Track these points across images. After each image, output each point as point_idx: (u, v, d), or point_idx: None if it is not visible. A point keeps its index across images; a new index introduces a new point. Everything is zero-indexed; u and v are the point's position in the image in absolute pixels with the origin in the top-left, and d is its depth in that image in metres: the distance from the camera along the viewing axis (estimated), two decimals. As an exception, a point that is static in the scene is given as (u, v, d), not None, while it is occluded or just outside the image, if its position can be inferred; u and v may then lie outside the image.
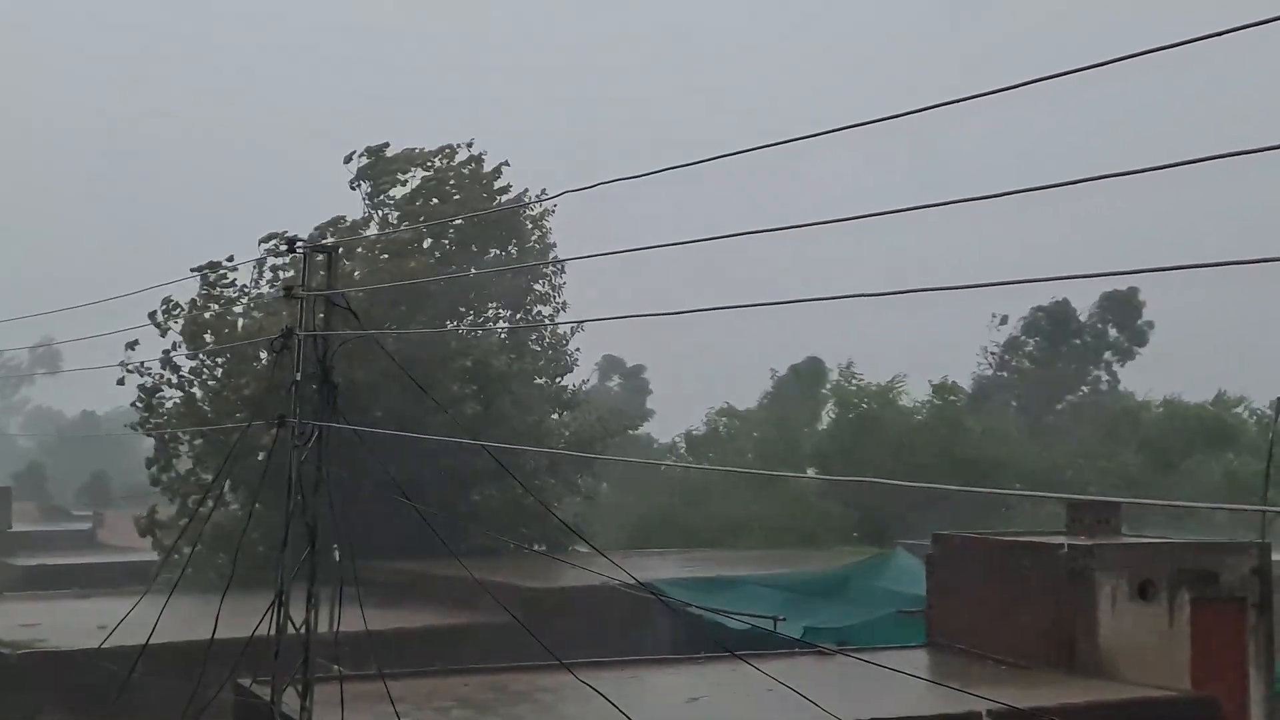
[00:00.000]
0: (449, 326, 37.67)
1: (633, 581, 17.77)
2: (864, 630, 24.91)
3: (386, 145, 39.51)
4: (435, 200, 38.61)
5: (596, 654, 20.99)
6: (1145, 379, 62.30)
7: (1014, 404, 59.70)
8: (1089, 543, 21.60)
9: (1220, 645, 21.12)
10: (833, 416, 54.30)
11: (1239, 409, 52.79)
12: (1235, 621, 21.36)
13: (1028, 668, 20.39)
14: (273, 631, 14.44)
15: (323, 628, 14.91)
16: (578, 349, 42.25)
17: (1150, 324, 61.43)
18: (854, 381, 54.35)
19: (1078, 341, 61.82)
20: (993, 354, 63.24)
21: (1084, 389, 61.99)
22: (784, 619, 23.87)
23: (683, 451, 57.58)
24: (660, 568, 32.93)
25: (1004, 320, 62.75)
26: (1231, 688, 20.85)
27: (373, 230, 38.27)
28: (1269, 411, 47.53)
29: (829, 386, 56.60)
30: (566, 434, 40.14)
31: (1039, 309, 61.37)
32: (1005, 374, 62.80)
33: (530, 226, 40.16)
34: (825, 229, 10.65)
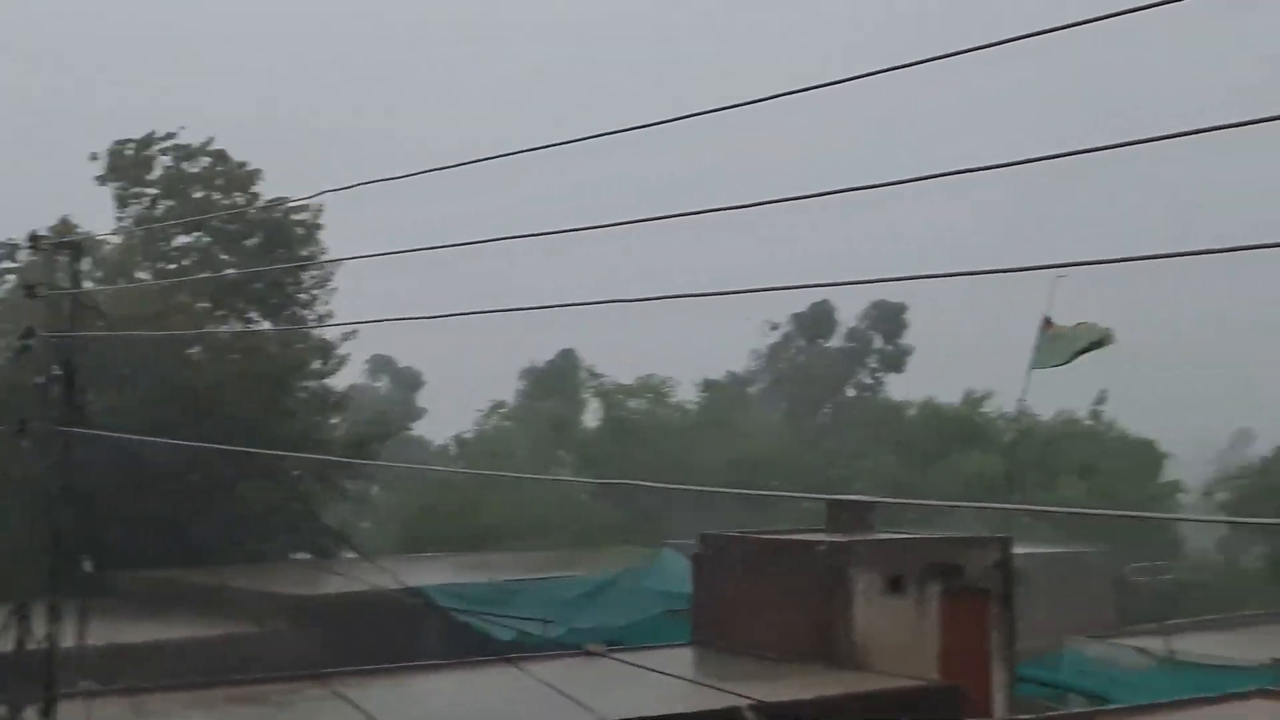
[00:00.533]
0: (207, 329, 36.48)
1: (399, 587, 17.57)
2: (633, 630, 25.23)
3: (131, 141, 38.09)
4: (193, 195, 37.41)
5: (365, 661, 20.69)
6: (907, 383, 64.78)
7: (781, 406, 61.41)
8: (846, 540, 22.38)
9: (966, 635, 22.15)
10: (600, 416, 54.79)
11: (986, 409, 55.29)
12: (980, 613, 22.45)
13: (788, 662, 20.96)
14: (12, 647, 13.75)
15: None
16: (348, 353, 41.48)
17: (911, 329, 63.98)
18: (614, 381, 54.80)
19: (843, 347, 63.97)
20: (761, 358, 64.89)
21: (850, 392, 64.18)
22: (552, 621, 23.98)
23: (454, 454, 57.19)
24: (432, 572, 32.61)
25: (775, 325, 64.46)
26: (976, 675, 21.91)
27: (121, 228, 36.82)
28: (1014, 412, 50.23)
29: (594, 385, 57.04)
30: (336, 437, 39.34)
31: (807, 315, 63.25)
32: (773, 377, 64.52)
33: (302, 232, 39.17)
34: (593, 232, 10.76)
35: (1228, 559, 40.14)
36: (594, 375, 54.48)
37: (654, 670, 16.44)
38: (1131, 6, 6.47)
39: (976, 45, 7.12)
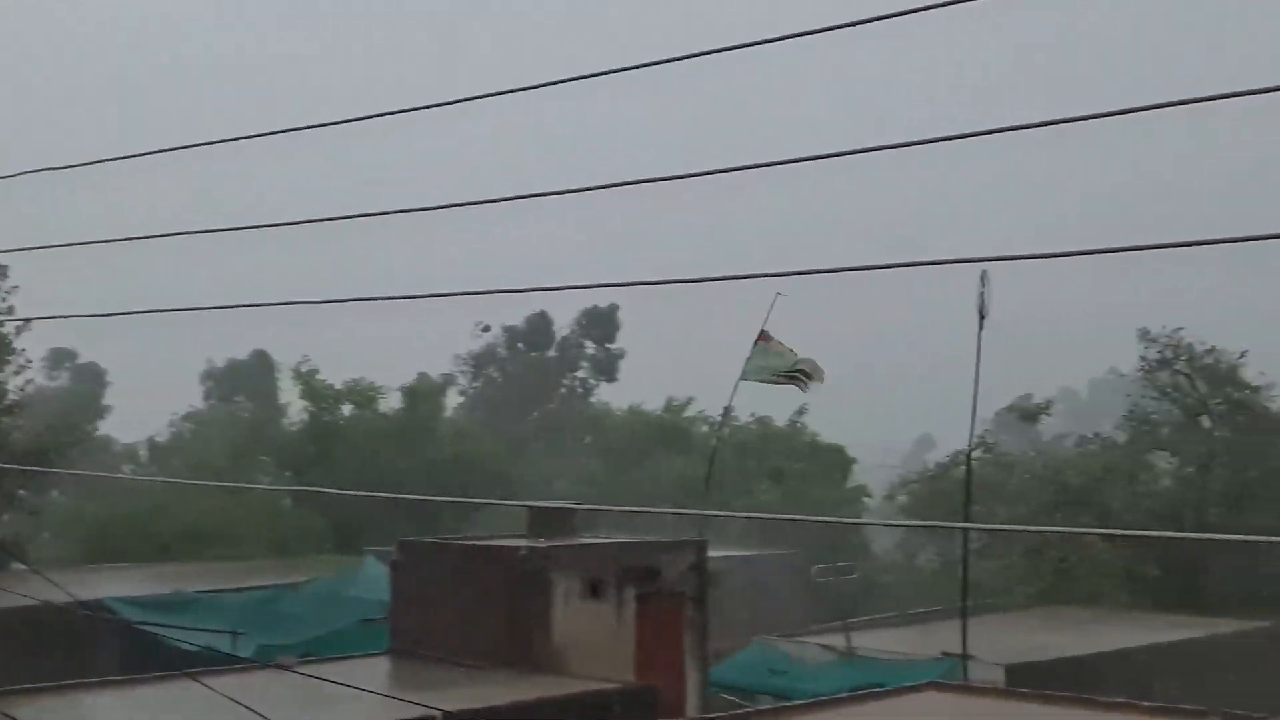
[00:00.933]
0: None
1: (71, 600, 16.58)
2: (328, 641, 24.64)
3: None
4: None
5: (36, 679, 19.45)
6: (616, 389, 65.76)
7: (490, 411, 61.33)
8: (546, 545, 22.52)
9: (661, 637, 22.65)
10: (304, 418, 53.38)
11: (690, 414, 56.75)
12: (675, 615, 22.99)
13: (486, 669, 20.91)
14: None
15: None
16: (23, 348, 38.97)
17: (622, 334, 64.94)
18: (315, 381, 53.50)
19: (554, 353, 64.41)
20: (470, 362, 64.62)
21: (561, 394, 64.69)
22: (243, 633, 23.17)
23: (145, 459, 54.56)
24: (118, 583, 31.00)
25: (486, 328, 64.26)
26: (671, 677, 22.43)
27: None
28: (717, 418, 51.77)
29: (298, 388, 55.45)
30: (13, 441, 36.93)
31: (522, 326, 63.34)
32: (482, 382, 64.38)
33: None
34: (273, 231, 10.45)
35: (907, 559, 42.51)
36: (301, 376, 53.01)
37: (344, 682, 16.04)
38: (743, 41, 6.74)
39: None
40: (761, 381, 27.61)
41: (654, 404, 57.45)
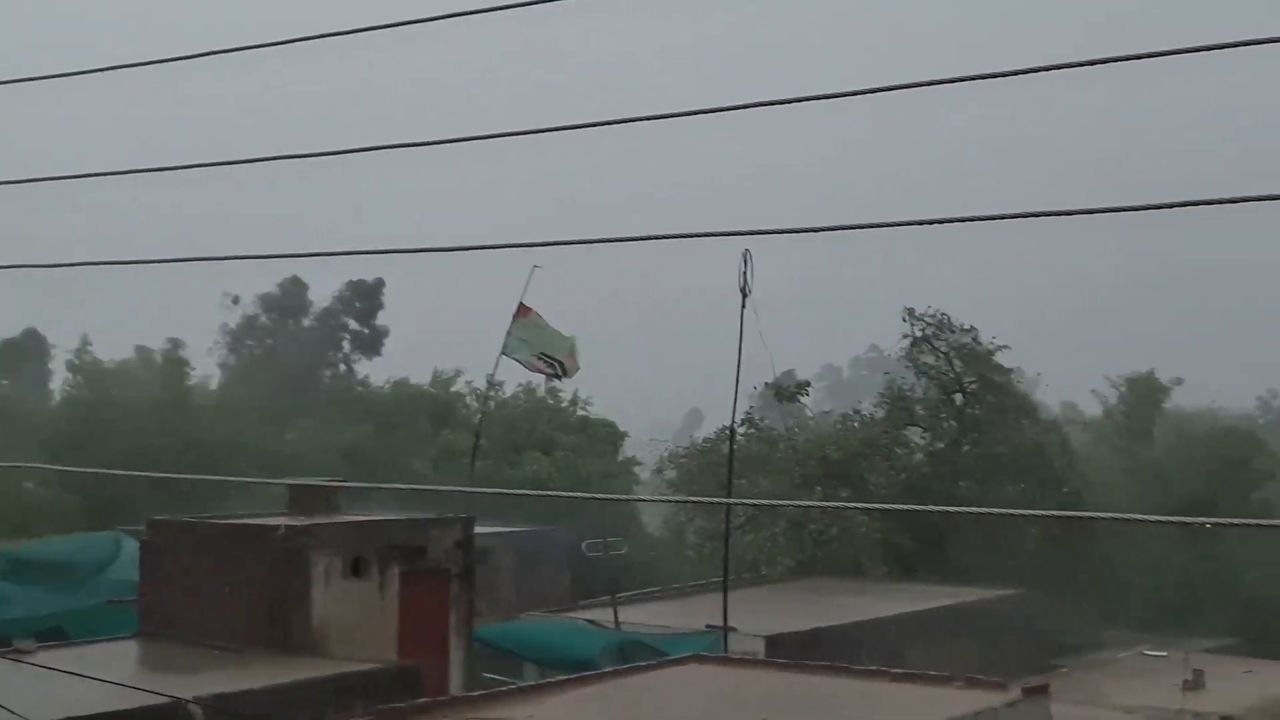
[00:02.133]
0: None
1: None
2: (74, 622, 23.47)
3: None
4: None
5: None
6: (381, 365, 64.44)
7: (251, 385, 59.32)
8: (306, 523, 21.91)
9: (426, 615, 22.34)
10: (67, 396, 50.82)
11: (457, 387, 56.04)
12: (440, 592, 22.70)
13: (243, 651, 20.21)
14: None
15: None
16: None
17: (387, 304, 63.62)
18: (85, 357, 51.10)
19: (316, 327, 62.64)
20: (231, 334, 62.36)
21: (326, 372, 63.06)
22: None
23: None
24: None
25: (236, 300, 61.92)
26: (436, 655, 22.14)
27: None
28: (482, 391, 51.37)
29: (67, 362, 52.72)
30: None
31: (276, 290, 61.33)
32: (241, 355, 62.23)
33: None
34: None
35: (674, 534, 43.04)
36: (79, 354, 50.44)
37: (86, 668, 15.23)
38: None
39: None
40: (519, 361, 27.41)
41: (420, 377, 56.62)
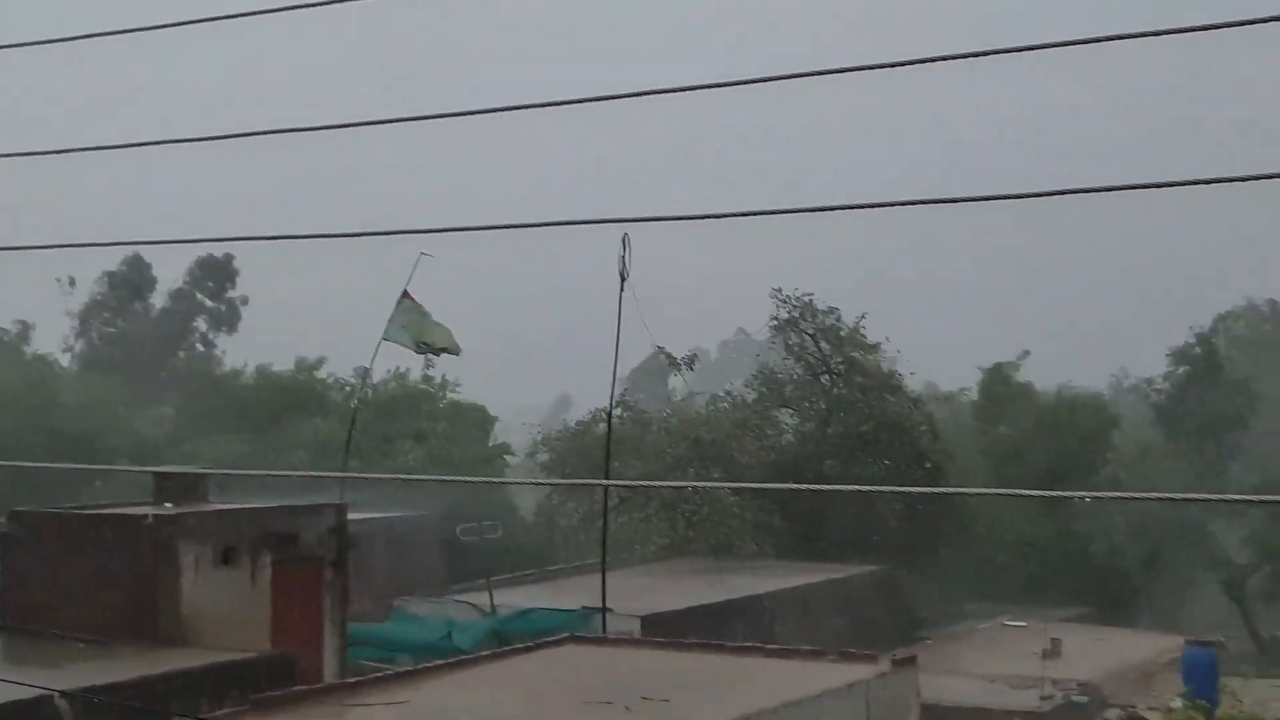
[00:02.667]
0: None
1: None
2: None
3: None
4: None
5: None
6: (240, 344, 63.05)
7: (107, 369, 57.72)
8: (175, 512, 21.50)
9: (300, 604, 22.07)
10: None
11: (321, 374, 55.15)
12: (313, 580, 22.45)
13: (110, 644, 19.77)
14: None
15: None
16: None
17: (242, 291, 62.35)
18: None
19: (168, 307, 61.10)
20: (76, 316, 60.49)
21: (181, 353, 61.57)
22: None
23: None
24: None
25: (72, 282, 60.06)
26: (309, 643, 21.91)
27: None
28: (354, 379, 50.77)
29: None
30: None
31: (115, 271, 59.58)
32: (90, 338, 60.44)
33: None
34: None
35: (549, 518, 43.14)
36: None
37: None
38: None
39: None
40: (403, 346, 27.34)
41: (282, 363, 55.63)
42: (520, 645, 20.69)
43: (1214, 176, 5.39)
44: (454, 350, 27.31)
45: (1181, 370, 53.00)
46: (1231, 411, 50.79)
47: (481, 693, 17.31)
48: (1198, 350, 52.87)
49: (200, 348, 62.08)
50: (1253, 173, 5.24)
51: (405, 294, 26.37)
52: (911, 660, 18.27)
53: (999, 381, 49.22)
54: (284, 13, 6.95)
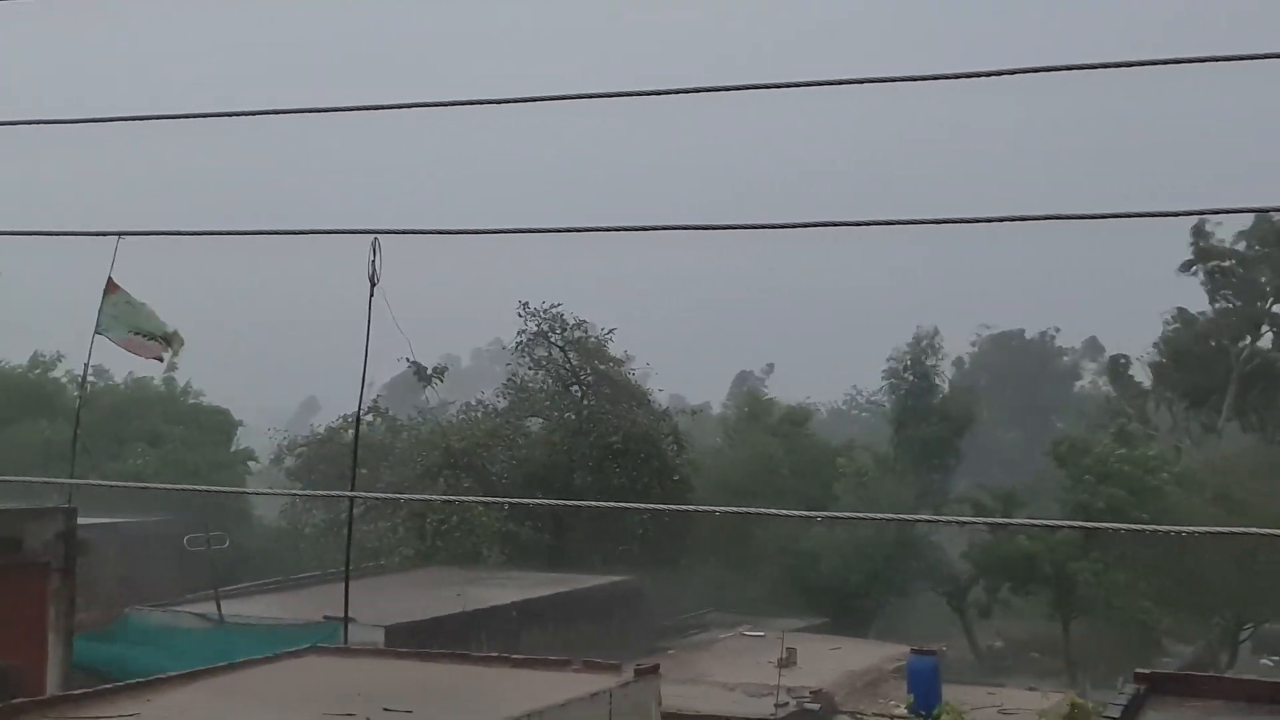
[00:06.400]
0: None
1: None
2: None
3: None
4: None
5: None
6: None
7: None
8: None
9: (22, 612, 20.94)
10: None
11: (58, 373, 52.49)
12: (38, 587, 21.33)
13: None
14: None
15: None
16: None
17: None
18: None
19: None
20: None
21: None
22: None
23: None
24: None
25: None
26: (34, 654, 20.79)
27: None
28: (94, 378, 48.39)
29: None
30: None
31: None
32: None
33: None
34: None
35: (291, 525, 42.07)
36: None
37: None
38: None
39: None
40: (113, 340, 25.82)
41: (18, 359, 52.68)
42: (259, 656, 20.13)
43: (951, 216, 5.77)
44: (176, 346, 25.98)
45: (902, 389, 55.16)
46: (948, 430, 53.25)
47: (217, 705, 16.76)
48: (910, 376, 54.67)
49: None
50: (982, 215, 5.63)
51: (110, 283, 24.77)
52: (654, 669, 18.59)
53: (754, 401, 50.75)
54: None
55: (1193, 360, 57.79)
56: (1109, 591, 39.90)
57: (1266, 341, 57.89)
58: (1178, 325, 59.35)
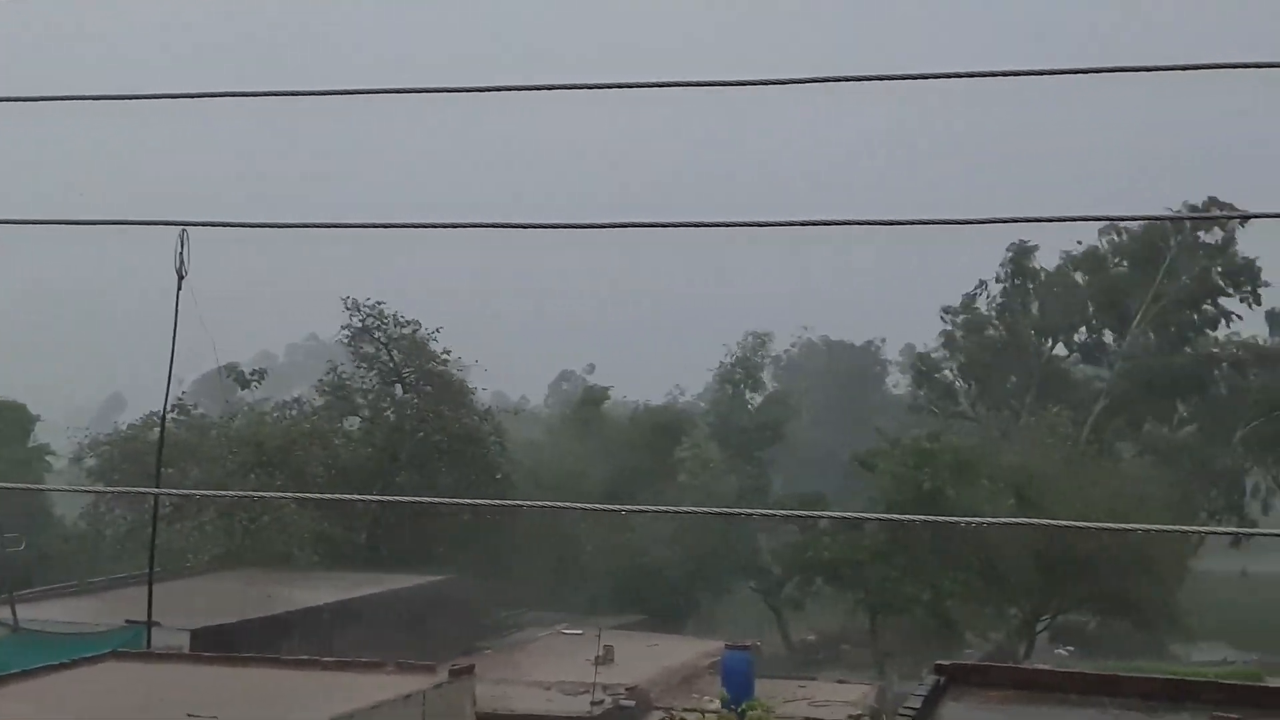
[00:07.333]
0: None
1: None
2: None
3: None
4: None
5: None
6: None
7: None
8: None
9: None
10: None
11: None
12: None
13: None
14: None
15: None
16: None
17: None
18: None
19: None
20: None
21: None
22: None
23: None
24: None
25: None
26: None
27: None
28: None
29: None
30: None
31: None
32: None
33: None
34: None
35: (92, 527, 40.45)
36: None
37: None
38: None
39: None
40: None
41: None
42: (55, 663, 19.31)
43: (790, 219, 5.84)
44: None
45: (727, 388, 56.57)
46: (769, 427, 54.51)
47: (10, 715, 16.04)
48: (738, 372, 56.38)
49: None
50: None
51: None
52: (469, 670, 18.47)
53: (589, 400, 50.94)
54: None
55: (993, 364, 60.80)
56: (916, 588, 41.06)
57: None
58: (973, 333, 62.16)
